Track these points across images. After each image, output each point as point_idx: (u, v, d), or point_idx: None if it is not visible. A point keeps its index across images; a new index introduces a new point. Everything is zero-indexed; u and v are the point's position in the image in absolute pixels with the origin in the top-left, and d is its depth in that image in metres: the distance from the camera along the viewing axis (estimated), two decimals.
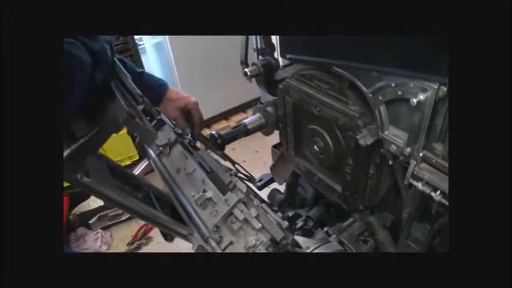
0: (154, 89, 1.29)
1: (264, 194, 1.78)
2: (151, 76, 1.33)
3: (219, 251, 0.91)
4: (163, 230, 1.00)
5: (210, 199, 1.01)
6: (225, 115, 3.80)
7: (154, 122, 1.35)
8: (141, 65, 3.22)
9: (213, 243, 0.93)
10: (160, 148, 1.25)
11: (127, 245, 2.80)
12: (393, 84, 0.81)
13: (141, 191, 1.08)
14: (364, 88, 0.89)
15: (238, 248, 0.90)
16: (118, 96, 0.85)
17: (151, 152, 1.32)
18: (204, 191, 1.04)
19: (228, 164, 1.59)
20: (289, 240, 0.89)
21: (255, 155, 3.36)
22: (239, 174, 1.69)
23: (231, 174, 1.16)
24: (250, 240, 0.86)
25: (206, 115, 3.69)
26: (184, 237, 1.03)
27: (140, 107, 1.13)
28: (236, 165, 1.70)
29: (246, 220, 0.90)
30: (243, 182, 1.51)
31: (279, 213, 1.19)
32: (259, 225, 0.87)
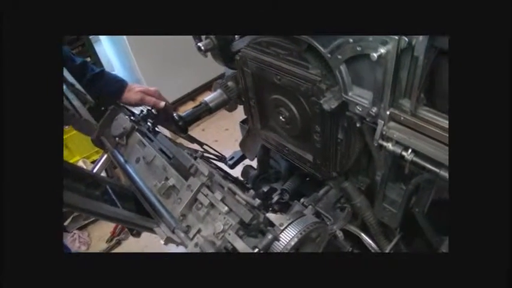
0: (115, 83, 1.38)
1: (239, 171, 1.73)
2: (112, 74, 1.43)
3: (188, 241, 0.85)
4: (128, 226, 0.93)
5: (173, 187, 0.94)
6: (191, 96, 3.68)
7: (108, 112, 1.25)
8: (94, 55, 3.05)
9: (181, 234, 0.87)
10: (117, 139, 1.16)
11: (106, 242, 2.72)
12: (351, 40, 0.75)
13: (99, 188, 0.99)
14: (321, 48, 0.82)
15: (207, 235, 0.84)
16: None
17: (109, 144, 1.23)
18: (166, 179, 0.97)
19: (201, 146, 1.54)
20: (260, 219, 0.84)
21: (226, 133, 3.29)
22: (209, 155, 1.63)
23: (195, 157, 1.09)
24: (218, 225, 0.80)
25: (171, 98, 3.59)
26: (151, 230, 0.96)
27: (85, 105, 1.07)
28: (204, 146, 1.63)
29: (211, 205, 0.84)
30: (210, 163, 1.45)
31: (251, 191, 1.14)
32: (226, 208, 0.81)
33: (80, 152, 2.97)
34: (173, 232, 0.89)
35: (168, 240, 0.91)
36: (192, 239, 0.85)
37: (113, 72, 3.48)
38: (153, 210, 0.96)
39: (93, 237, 2.81)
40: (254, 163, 1.76)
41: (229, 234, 0.79)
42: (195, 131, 3.42)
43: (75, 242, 2.73)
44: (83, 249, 2.71)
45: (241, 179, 1.77)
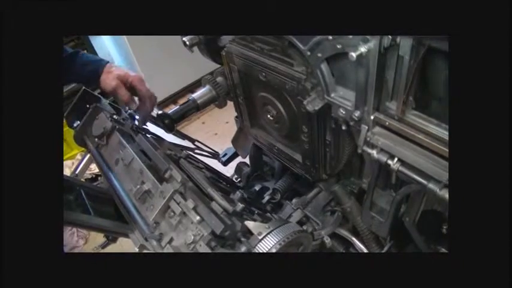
0: (90, 65, 1.18)
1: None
2: (87, 55, 1.24)
3: (160, 250, 0.80)
4: (100, 232, 0.89)
5: (148, 191, 0.89)
6: (191, 87, 3.59)
7: (90, 110, 1.20)
8: (90, 47, 3.00)
9: (154, 242, 0.82)
10: (96, 139, 1.11)
11: (104, 236, 2.70)
12: (330, 37, 0.68)
13: (72, 193, 0.95)
14: (300, 45, 0.76)
15: (179, 245, 0.79)
16: None
17: (90, 144, 1.19)
18: (143, 183, 0.92)
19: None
20: (237, 228, 0.79)
21: (226, 126, 3.20)
22: (202, 152, 1.58)
23: (179, 158, 1.04)
24: (189, 236, 0.75)
25: (170, 91, 3.53)
26: (126, 236, 0.92)
27: None
28: (196, 143, 1.58)
29: (184, 213, 0.79)
30: (198, 161, 1.40)
31: (238, 193, 1.08)
32: (198, 217, 0.76)
33: (78, 146, 2.94)
34: (146, 240, 0.84)
35: (142, 248, 0.87)
36: (163, 249, 0.80)
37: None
38: (128, 215, 0.92)
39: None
40: (248, 160, 1.70)
41: (200, 245, 0.74)
42: (195, 124, 3.37)
43: (74, 235, 2.72)
44: (81, 243, 2.70)
45: (232, 177, 1.71)
